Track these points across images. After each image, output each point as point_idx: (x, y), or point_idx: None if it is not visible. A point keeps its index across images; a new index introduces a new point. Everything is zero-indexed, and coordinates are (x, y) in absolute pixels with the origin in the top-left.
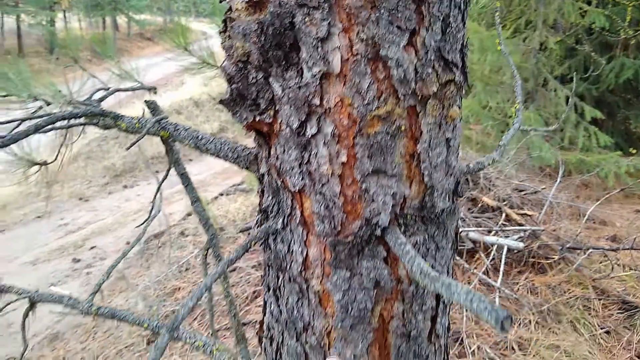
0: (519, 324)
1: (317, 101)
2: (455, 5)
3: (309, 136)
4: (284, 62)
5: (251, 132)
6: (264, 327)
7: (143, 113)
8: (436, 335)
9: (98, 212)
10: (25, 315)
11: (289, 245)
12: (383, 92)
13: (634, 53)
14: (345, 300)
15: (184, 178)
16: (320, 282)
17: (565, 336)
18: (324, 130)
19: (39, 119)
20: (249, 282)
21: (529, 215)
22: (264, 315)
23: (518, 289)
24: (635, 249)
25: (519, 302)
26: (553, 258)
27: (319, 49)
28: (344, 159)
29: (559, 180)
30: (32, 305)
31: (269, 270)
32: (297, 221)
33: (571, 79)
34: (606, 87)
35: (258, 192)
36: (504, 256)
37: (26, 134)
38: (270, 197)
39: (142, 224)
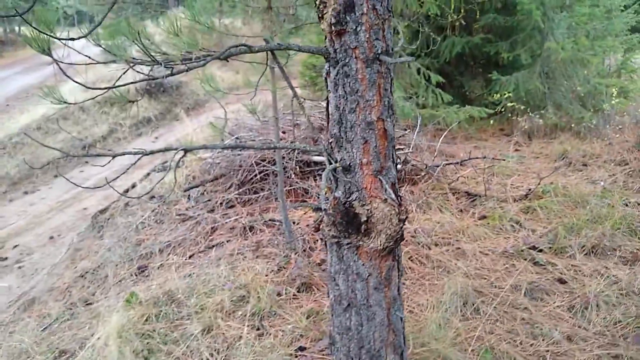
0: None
1: (360, 20)
2: None
3: (358, 30)
4: (349, 11)
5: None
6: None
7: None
8: (390, 96)
9: (5, 217)
10: (177, 163)
11: (351, 66)
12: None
13: (461, 33)
14: (371, 78)
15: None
16: (363, 72)
17: (434, 215)
18: (362, 28)
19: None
20: (207, 222)
21: (401, 149)
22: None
23: (402, 193)
24: (471, 159)
25: (404, 199)
26: (420, 174)
27: (360, 9)
28: (367, 34)
29: (418, 128)
30: (185, 153)
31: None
32: (354, 58)
33: (419, 56)
34: (444, 60)
35: (327, 59)
36: None
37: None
38: (341, 54)
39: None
